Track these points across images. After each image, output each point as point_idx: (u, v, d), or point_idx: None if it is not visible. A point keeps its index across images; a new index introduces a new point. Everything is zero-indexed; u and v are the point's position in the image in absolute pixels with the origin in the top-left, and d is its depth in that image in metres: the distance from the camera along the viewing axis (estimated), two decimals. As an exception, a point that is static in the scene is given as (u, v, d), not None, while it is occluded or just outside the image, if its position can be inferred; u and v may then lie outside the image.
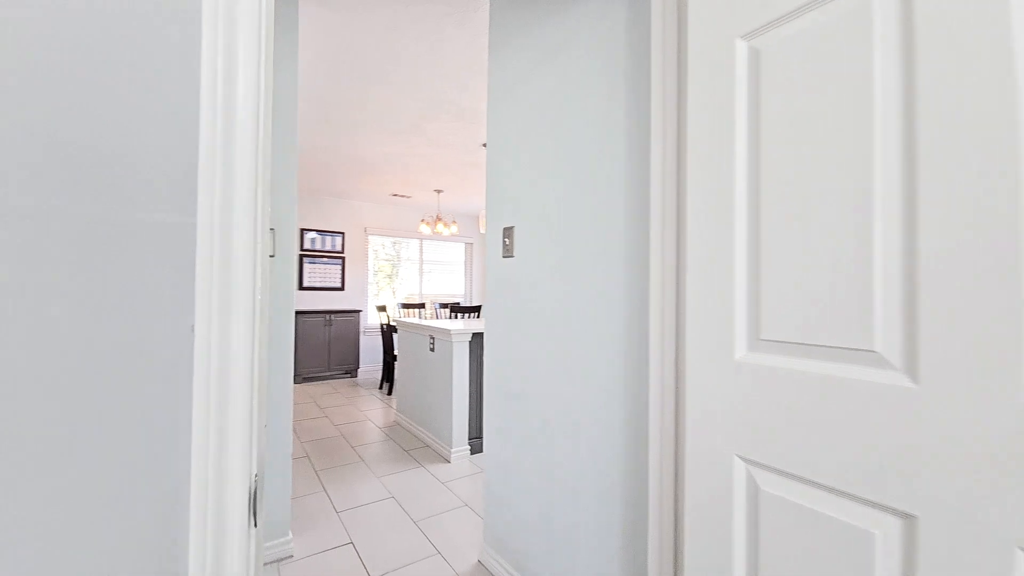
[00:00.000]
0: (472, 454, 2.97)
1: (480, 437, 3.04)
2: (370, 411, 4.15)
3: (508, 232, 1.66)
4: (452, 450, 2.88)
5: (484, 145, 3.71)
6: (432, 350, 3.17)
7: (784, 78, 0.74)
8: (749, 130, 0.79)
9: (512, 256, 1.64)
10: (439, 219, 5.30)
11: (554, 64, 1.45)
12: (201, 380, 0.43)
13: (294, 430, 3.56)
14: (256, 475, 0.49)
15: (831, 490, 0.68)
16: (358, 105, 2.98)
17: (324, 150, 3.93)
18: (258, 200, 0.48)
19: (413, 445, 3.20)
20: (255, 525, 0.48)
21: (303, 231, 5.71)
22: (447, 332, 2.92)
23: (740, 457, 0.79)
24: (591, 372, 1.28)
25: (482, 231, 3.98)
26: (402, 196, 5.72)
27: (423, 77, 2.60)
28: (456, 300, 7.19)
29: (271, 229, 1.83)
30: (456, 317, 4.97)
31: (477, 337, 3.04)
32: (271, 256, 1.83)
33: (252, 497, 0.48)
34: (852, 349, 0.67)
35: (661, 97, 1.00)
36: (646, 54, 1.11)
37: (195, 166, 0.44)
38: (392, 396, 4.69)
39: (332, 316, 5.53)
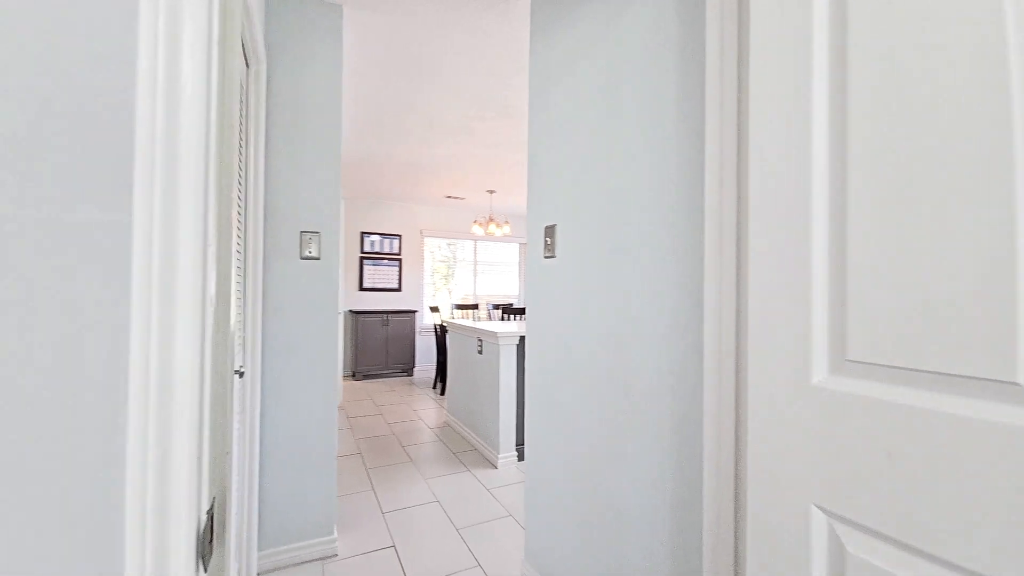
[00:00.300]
0: (519, 460, 2.88)
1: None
2: (422, 410, 4.20)
3: (549, 231, 1.55)
4: (499, 456, 2.81)
5: (534, 142, 3.61)
6: (480, 352, 3.13)
7: (886, 7, 0.57)
8: (832, 88, 0.62)
9: (553, 256, 1.53)
10: (491, 219, 5.27)
11: (598, 46, 1.32)
12: (137, 407, 0.37)
13: (350, 427, 3.68)
14: (210, 509, 0.43)
15: (954, 568, 0.50)
16: (406, 108, 3.00)
17: (377, 154, 4.03)
18: (209, 195, 0.41)
19: (461, 448, 3.17)
20: (204, 570, 0.41)
21: (363, 234, 5.94)
22: (494, 335, 2.86)
23: (819, 508, 0.62)
24: (637, 389, 1.14)
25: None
26: (456, 198, 5.77)
27: (467, 76, 2.56)
28: (510, 301, 7.15)
29: (315, 232, 1.85)
30: (508, 319, 4.91)
31: (525, 340, 2.95)
32: (315, 259, 1.86)
33: (203, 535, 0.41)
34: (983, 379, 0.49)
35: (718, 58, 0.85)
36: (700, 19, 0.95)
37: (131, 157, 0.38)
38: (444, 396, 4.73)
39: (389, 316, 5.70)
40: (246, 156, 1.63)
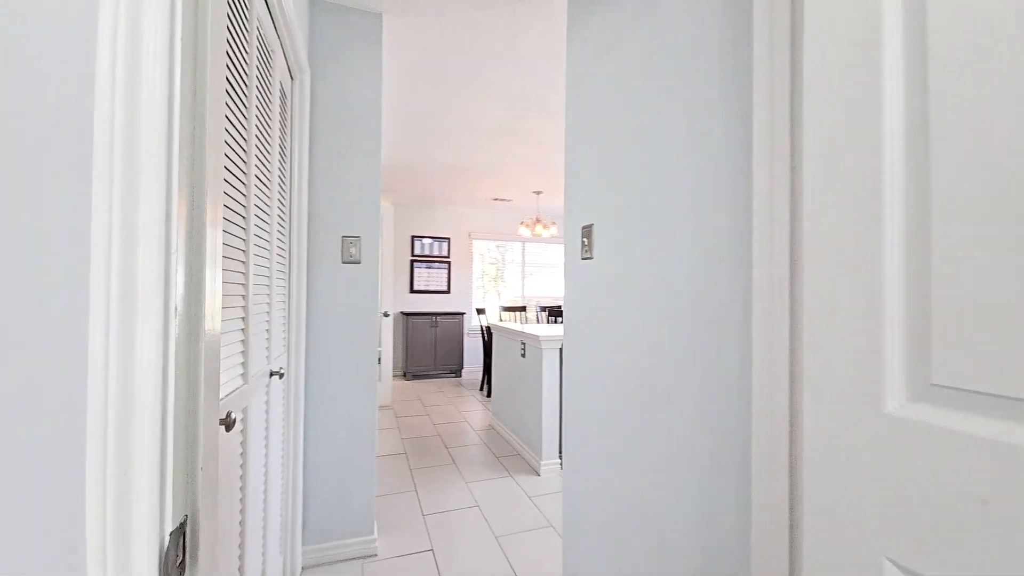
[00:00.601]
0: (563, 468, 2.79)
1: (572, 451, 2.85)
2: (468, 412, 4.22)
3: (587, 231, 1.47)
4: (542, 462, 2.74)
5: (579, 140, 3.51)
6: (523, 356, 3.08)
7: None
8: (908, 52, 0.51)
9: (591, 258, 1.44)
10: (538, 220, 5.21)
11: (635, 31, 1.23)
12: (95, 420, 0.35)
13: (397, 426, 3.77)
14: (178, 528, 0.41)
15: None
16: (445, 110, 3.01)
17: (421, 158, 4.11)
18: (173, 199, 0.39)
19: (505, 452, 3.14)
20: (171, 595, 0.39)
21: (413, 238, 6.10)
22: (536, 338, 2.79)
23: (894, 564, 0.51)
24: (678, 405, 1.03)
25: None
26: (502, 200, 5.77)
27: (505, 76, 2.52)
28: (558, 303, 7.05)
29: (356, 237, 1.89)
30: (556, 321, 4.82)
31: None
32: (356, 262, 1.90)
33: (166, 556, 0.39)
34: None
35: (767, 27, 0.74)
36: (748, -11, 0.84)
37: (89, 157, 0.36)
38: (490, 399, 4.73)
39: (438, 318, 5.80)
40: (290, 165, 1.68)
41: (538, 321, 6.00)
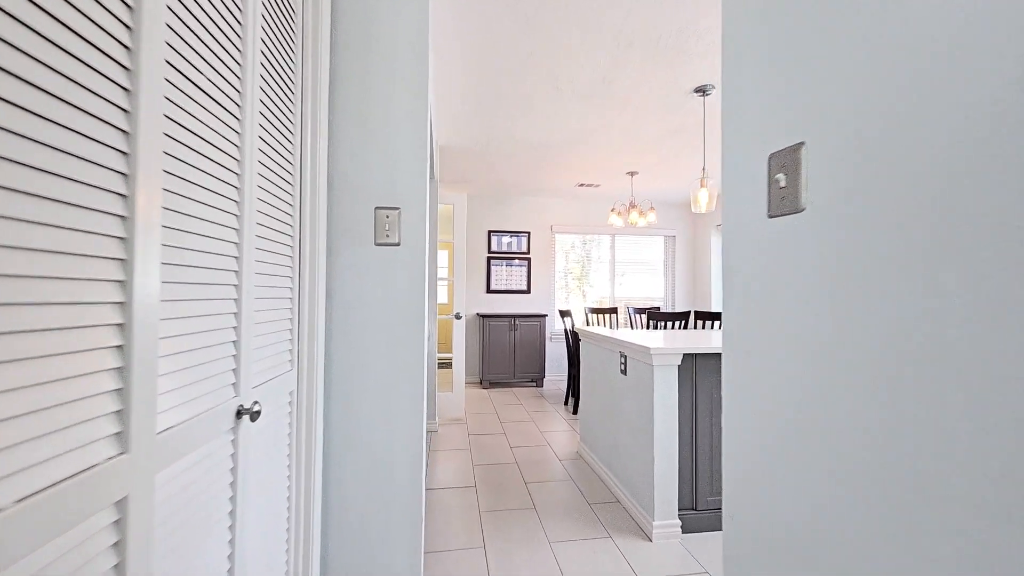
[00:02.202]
0: (684, 533, 2.02)
1: (697, 509, 2.06)
2: (552, 432, 3.56)
3: (789, 157, 0.74)
4: (654, 523, 1.99)
5: (697, 91, 2.69)
6: (624, 372, 2.35)
7: None
8: None
9: (797, 210, 0.72)
10: (633, 206, 4.40)
11: None
12: None
13: (469, 446, 3.23)
14: None
15: None
16: (524, 65, 2.39)
17: (497, 135, 3.54)
18: None
19: (600, 497, 2.43)
20: None
21: (490, 233, 5.60)
22: (645, 350, 2.06)
23: None
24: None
25: (698, 209, 2.96)
26: (590, 185, 5.04)
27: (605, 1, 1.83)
28: (655, 304, 6.12)
29: (394, 208, 1.34)
30: (656, 326, 3.98)
31: (691, 361, 2.07)
32: (394, 244, 1.34)
33: None
34: None
35: None
36: None
37: None
38: (576, 417, 4.03)
39: (517, 320, 5.23)
40: (300, 109, 1.18)
41: (632, 326, 5.16)
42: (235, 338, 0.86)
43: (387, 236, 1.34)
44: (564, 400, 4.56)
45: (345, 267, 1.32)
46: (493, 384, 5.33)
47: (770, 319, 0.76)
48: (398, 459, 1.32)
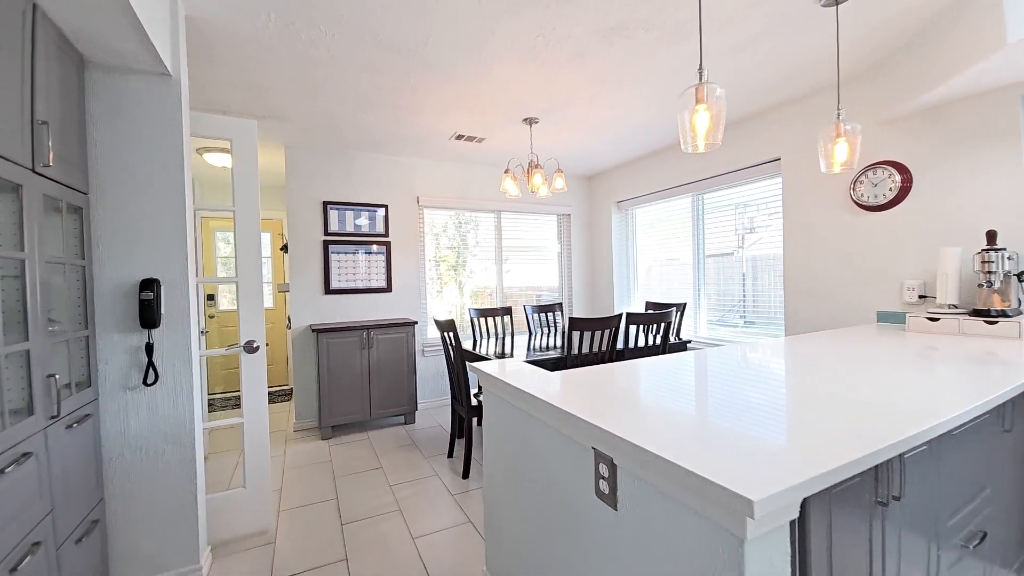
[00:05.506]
0: None
1: None
2: (433, 537, 2.09)
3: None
4: None
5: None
6: (606, 499, 1.01)
7: None
8: None
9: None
10: (536, 166, 3.12)
11: None
12: None
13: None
14: None
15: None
16: None
17: (319, 16, 1.88)
18: None
19: None
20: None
21: (327, 205, 3.80)
22: (728, 499, 0.73)
23: None
24: None
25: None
26: (471, 139, 3.61)
27: None
28: (551, 300, 5.03)
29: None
30: (582, 338, 2.72)
31: (809, 509, 0.80)
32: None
33: None
34: None
35: None
36: None
37: None
38: (469, 479, 2.63)
39: (371, 333, 3.58)
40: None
41: (530, 331, 3.94)
42: None
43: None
44: (448, 451, 3.12)
45: None
46: (338, 430, 3.62)
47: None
48: None
